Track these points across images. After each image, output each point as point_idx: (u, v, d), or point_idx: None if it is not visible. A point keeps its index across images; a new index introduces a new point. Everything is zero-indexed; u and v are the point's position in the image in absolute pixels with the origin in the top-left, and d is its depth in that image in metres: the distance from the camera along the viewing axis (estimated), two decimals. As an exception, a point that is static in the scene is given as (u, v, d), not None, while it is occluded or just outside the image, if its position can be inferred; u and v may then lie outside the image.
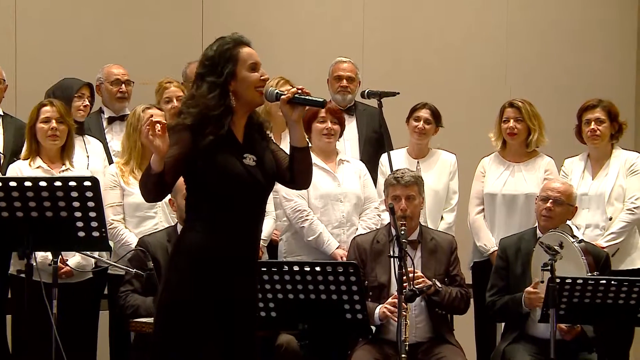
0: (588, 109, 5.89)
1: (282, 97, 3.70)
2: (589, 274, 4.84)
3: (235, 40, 3.73)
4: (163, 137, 3.52)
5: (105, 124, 6.17)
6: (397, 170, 5.50)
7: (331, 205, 5.78)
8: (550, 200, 5.35)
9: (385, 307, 5.12)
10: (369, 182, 5.92)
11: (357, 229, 5.76)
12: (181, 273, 3.64)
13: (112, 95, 6.23)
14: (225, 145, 3.66)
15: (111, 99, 6.24)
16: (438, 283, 5.19)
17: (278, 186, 5.66)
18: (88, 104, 5.84)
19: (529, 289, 5.10)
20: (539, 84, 7.81)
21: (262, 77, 3.73)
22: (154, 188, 3.57)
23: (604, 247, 5.58)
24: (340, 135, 5.93)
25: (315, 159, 5.79)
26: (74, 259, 5.29)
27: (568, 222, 5.45)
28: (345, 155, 6.03)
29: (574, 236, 5.09)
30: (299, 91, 3.71)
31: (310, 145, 5.85)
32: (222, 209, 3.65)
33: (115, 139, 6.05)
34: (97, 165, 5.75)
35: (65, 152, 5.39)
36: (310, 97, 3.71)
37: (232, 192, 3.65)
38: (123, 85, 6.25)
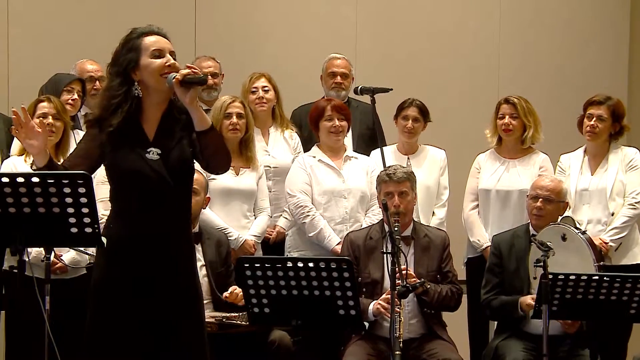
0: (594, 104, 5.86)
1: (173, 79, 3.62)
2: (596, 264, 4.87)
3: (141, 32, 3.74)
4: (39, 136, 3.62)
5: (82, 121, 6.06)
6: (389, 167, 5.51)
7: (334, 201, 5.79)
8: (540, 199, 5.36)
9: (379, 304, 5.13)
10: None
11: (361, 225, 5.75)
12: (99, 256, 3.83)
13: (86, 92, 6.06)
14: (129, 140, 3.72)
15: (86, 96, 6.07)
16: (427, 283, 5.18)
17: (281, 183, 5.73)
18: (77, 97, 5.78)
19: (529, 301, 5.10)
20: (531, 78, 7.81)
21: (167, 64, 3.68)
22: None
23: (607, 243, 5.61)
24: (348, 130, 5.93)
25: (322, 155, 5.82)
26: (68, 254, 5.29)
27: (569, 214, 5.48)
28: (353, 152, 6.02)
29: (577, 228, 5.10)
30: (191, 72, 3.62)
31: (318, 142, 5.89)
32: (127, 201, 3.77)
33: None
34: None
35: (60, 149, 5.38)
36: (197, 77, 3.63)
37: (131, 186, 3.74)
38: (97, 82, 6.12)
